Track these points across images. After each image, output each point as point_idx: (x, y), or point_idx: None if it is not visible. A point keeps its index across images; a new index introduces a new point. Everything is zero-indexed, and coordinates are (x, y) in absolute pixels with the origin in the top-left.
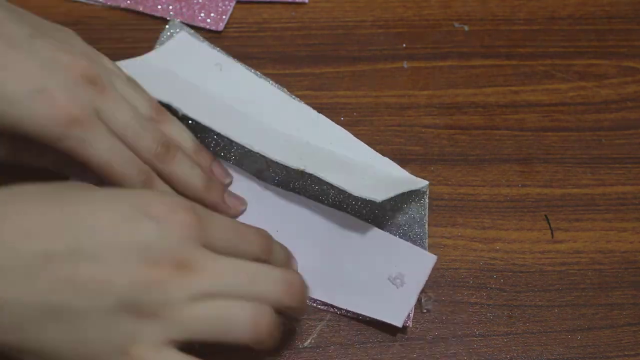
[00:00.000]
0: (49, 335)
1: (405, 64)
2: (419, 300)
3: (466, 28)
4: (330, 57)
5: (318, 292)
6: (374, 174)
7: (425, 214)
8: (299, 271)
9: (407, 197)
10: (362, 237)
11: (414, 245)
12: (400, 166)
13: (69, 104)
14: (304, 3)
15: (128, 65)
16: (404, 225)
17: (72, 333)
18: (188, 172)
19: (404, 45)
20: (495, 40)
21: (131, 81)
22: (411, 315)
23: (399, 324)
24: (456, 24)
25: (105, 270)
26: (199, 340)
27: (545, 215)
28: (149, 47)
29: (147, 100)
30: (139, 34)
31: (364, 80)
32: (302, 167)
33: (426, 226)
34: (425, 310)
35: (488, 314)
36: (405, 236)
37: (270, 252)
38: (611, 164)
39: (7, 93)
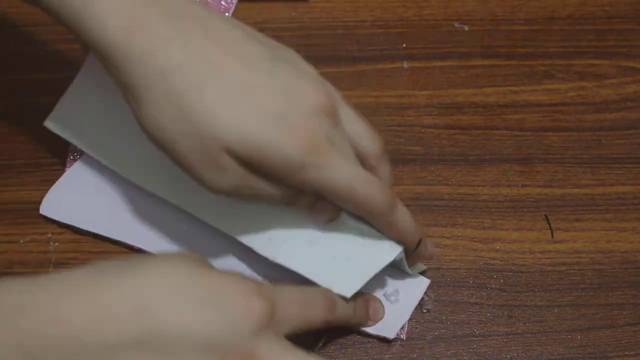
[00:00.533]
0: None
1: (405, 64)
2: (419, 301)
3: (466, 28)
4: (330, 57)
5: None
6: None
7: (406, 267)
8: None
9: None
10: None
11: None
12: (400, 166)
13: (309, 133)
14: (305, 1)
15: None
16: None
17: None
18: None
19: (404, 45)
20: (495, 40)
21: (357, 113)
22: (405, 329)
23: (391, 335)
24: (456, 24)
25: (172, 356)
26: None
27: (545, 216)
28: None
29: (371, 138)
30: None
31: (364, 80)
32: (271, 257)
33: (408, 270)
34: (425, 310)
35: (488, 314)
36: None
37: (335, 310)
38: (611, 164)
39: (250, 119)
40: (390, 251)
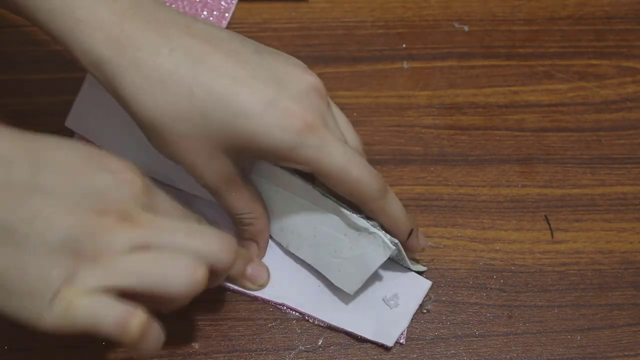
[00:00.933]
0: None
1: (405, 64)
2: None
3: (466, 28)
4: (330, 57)
5: (315, 311)
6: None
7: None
8: (299, 288)
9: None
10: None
11: (410, 270)
12: (401, 167)
13: (303, 112)
14: (305, 1)
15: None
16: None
17: (11, 257)
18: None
19: (404, 45)
20: (495, 40)
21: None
22: (404, 334)
23: (390, 343)
24: (456, 24)
25: (57, 206)
26: (133, 290)
27: (545, 216)
28: None
29: (354, 134)
30: None
31: (363, 80)
32: (284, 245)
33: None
34: (425, 311)
35: (488, 314)
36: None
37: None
38: (611, 164)
39: (241, 107)
40: (388, 246)
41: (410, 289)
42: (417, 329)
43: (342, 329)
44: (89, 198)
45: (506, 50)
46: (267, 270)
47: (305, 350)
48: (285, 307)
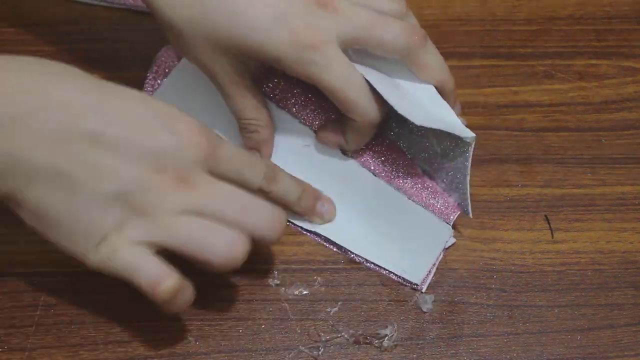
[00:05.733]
0: (43, 193)
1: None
2: (419, 301)
3: (466, 28)
4: None
5: (348, 242)
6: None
7: (468, 165)
8: (332, 219)
9: (455, 147)
10: (395, 205)
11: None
12: None
13: (307, 30)
14: None
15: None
16: (450, 171)
17: (66, 200)
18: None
19: None
20: (496, 40)
21: None
22: (427, 280)
23: (417, 281)
24: (456, 24)
25: (116, 160)
26: (175, 250)
27: (546, 216)
28: (149, 47)
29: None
30: (139, 34)
31: None
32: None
33: (468, 177)
34: (425, 311)
35: (488, 314)
36: (448, 182)
37: (275, 183)
38: (611, 164)
39: (249, 20)
40: (464, 131)
41: (434, 231)
42: (417, 329)
43: (370, 261)
44: (149, 156)
45: (506, 50)
46: (333, 203)
47: (306, 350)
48: (310, 233)
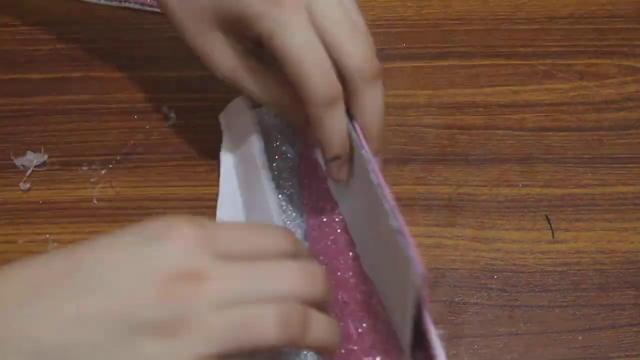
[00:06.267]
0: None
1: (406, 64)
2: None
3: (466, 28)
4: None
5: None
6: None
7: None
8: None
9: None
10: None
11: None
12: (401, 166)
13: None
14: None
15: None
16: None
17: None
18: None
19: (404, 44)
20: (496, 39)
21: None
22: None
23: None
24: (457, 24)
25: (112, 299)
26: (230, 352)
27: (546, 215)
28: (149, 47)
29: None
30: (139, 34)
31: None
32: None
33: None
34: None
35: (489, 315)
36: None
37: (294, 246)
38: (612, 164)
39: None
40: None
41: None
42: None
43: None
44: (143, 276)
45: (507, 50)
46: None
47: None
48: None
